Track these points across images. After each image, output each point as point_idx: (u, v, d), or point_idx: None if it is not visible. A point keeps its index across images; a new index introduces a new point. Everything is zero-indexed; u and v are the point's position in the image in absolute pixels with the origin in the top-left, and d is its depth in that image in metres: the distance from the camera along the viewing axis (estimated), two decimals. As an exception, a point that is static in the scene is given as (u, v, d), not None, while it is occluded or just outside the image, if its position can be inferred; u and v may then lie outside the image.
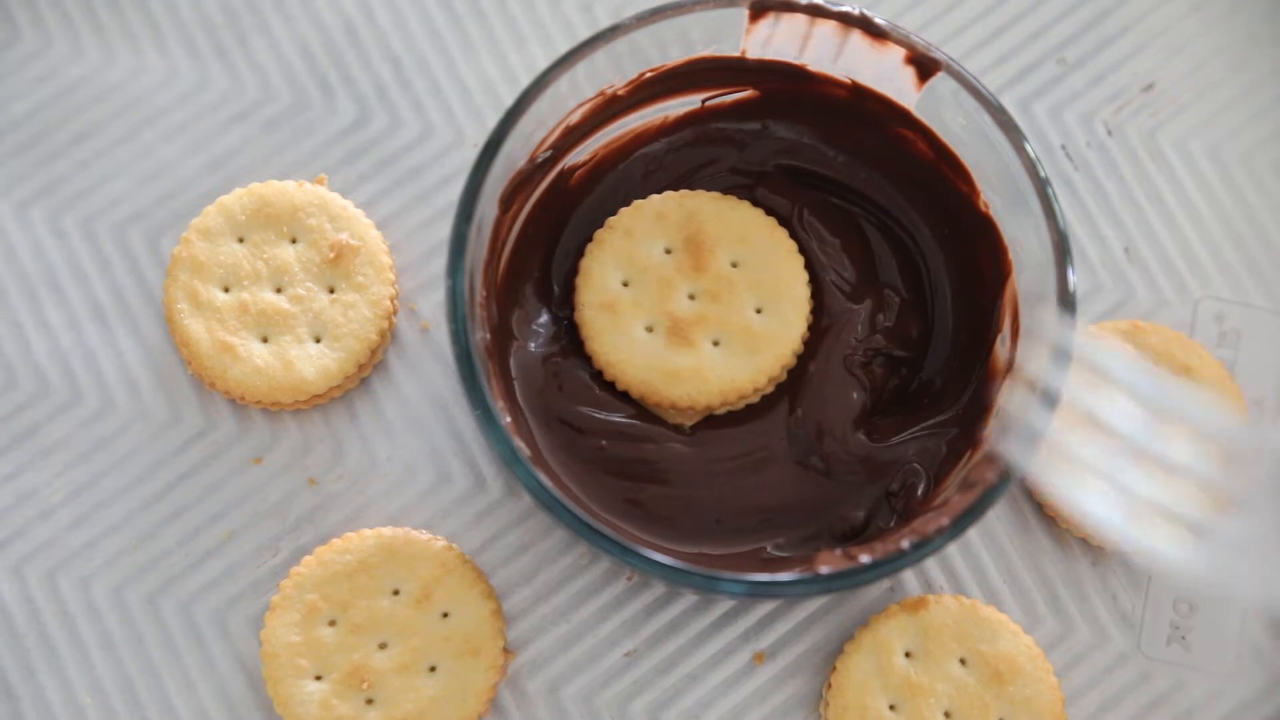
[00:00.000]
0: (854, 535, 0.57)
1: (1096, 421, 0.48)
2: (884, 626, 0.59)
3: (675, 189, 0.59)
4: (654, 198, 0.59)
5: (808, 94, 0.59)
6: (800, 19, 0.55)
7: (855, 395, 0.58)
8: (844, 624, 0.60)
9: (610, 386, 0.58)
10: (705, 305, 0.58)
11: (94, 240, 0.63)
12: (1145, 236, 0.64)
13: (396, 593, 0.59)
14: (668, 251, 0.58)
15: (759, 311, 0.58)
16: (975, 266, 0.58)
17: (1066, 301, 0.52)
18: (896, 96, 0.57)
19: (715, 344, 0.57)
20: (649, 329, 0.58)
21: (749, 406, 0.59)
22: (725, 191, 0.59)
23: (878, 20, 0.55)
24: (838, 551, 0.52)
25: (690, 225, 0.58)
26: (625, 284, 0.58)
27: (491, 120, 0.64)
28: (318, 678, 0.58)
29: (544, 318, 0.59)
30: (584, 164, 0.59)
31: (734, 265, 0.58)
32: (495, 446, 0.51)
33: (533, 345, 0.58)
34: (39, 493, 0.61)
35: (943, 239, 0.59)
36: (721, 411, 0.58)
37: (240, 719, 0.59)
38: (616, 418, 0.58)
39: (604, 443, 0.57)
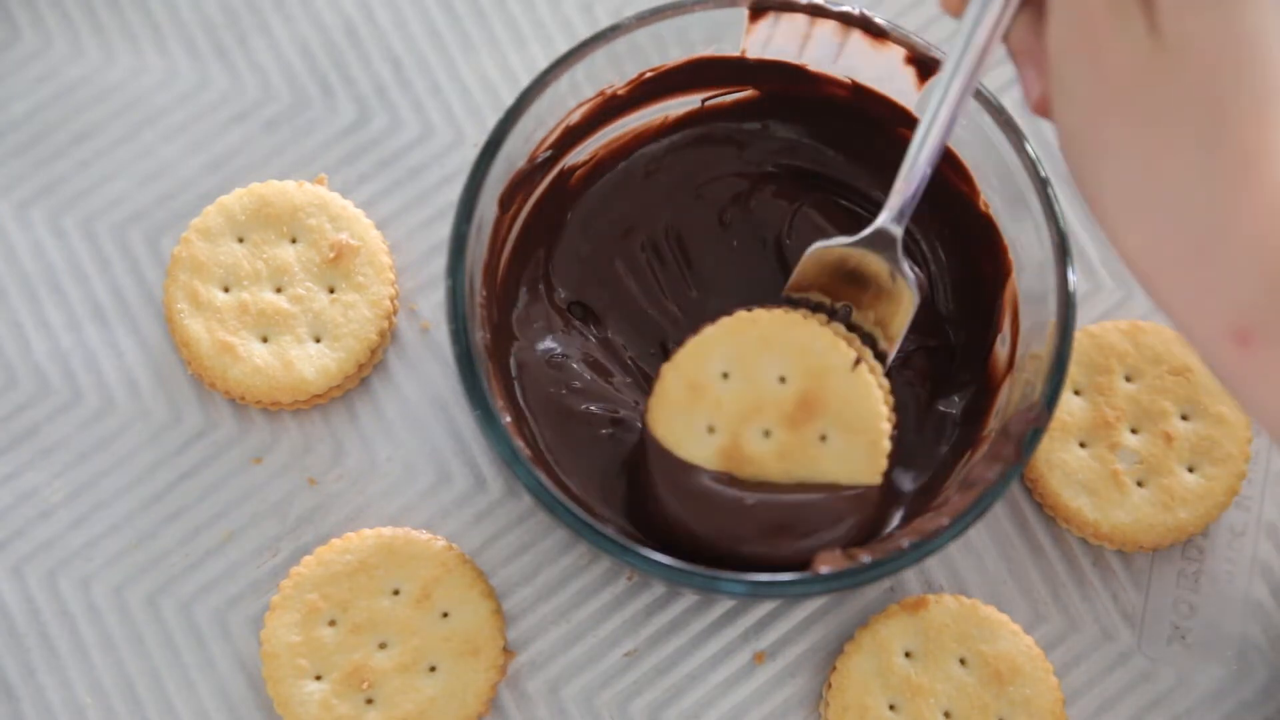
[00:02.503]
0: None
1: None
2: (884, 626, 0.58)
3: (676, 189, 0.59)
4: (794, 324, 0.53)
5: (808, 94, 0.59)
6: (800, 19, 0.55)
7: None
8: (844, 624, 0.60)
9: (611, 388, 0.58)
10: (776, 448, 0.53)
11: (94, 240, 0.63)
12: (1145, 236, 0.64)
13: (396, 593, 0.59)
14: (782, 380, 0.53)
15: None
16: (975, 266, 0.58)
17: (1066, 302, 0.52)
18: (896, 96, 0.57)
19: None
20: (711, 429, 0.53)
21: None
22: (724, 189, 0.59)
23: (878, 20, 0.55)
24: (838, 551, 0.52)
25: (812, 380, 0.53)
26: (725, 375, 0.53)
27: (491, 120, 0.64)
28: (318, 678, 0.58)
29: (545, 317, 0.59)
30: (584, 164, 0.59)
31: (822, 439, 0.53)
32: (495, 446, 0.51)
33: (533, 344, 0.58)
34: (39, 493, 0.61)
35: (943, 239, 0.59)
36: None
37: (240, 719, 0.59)
38: (616, 418, 0.58)
39: (603, 434, 0.57)
